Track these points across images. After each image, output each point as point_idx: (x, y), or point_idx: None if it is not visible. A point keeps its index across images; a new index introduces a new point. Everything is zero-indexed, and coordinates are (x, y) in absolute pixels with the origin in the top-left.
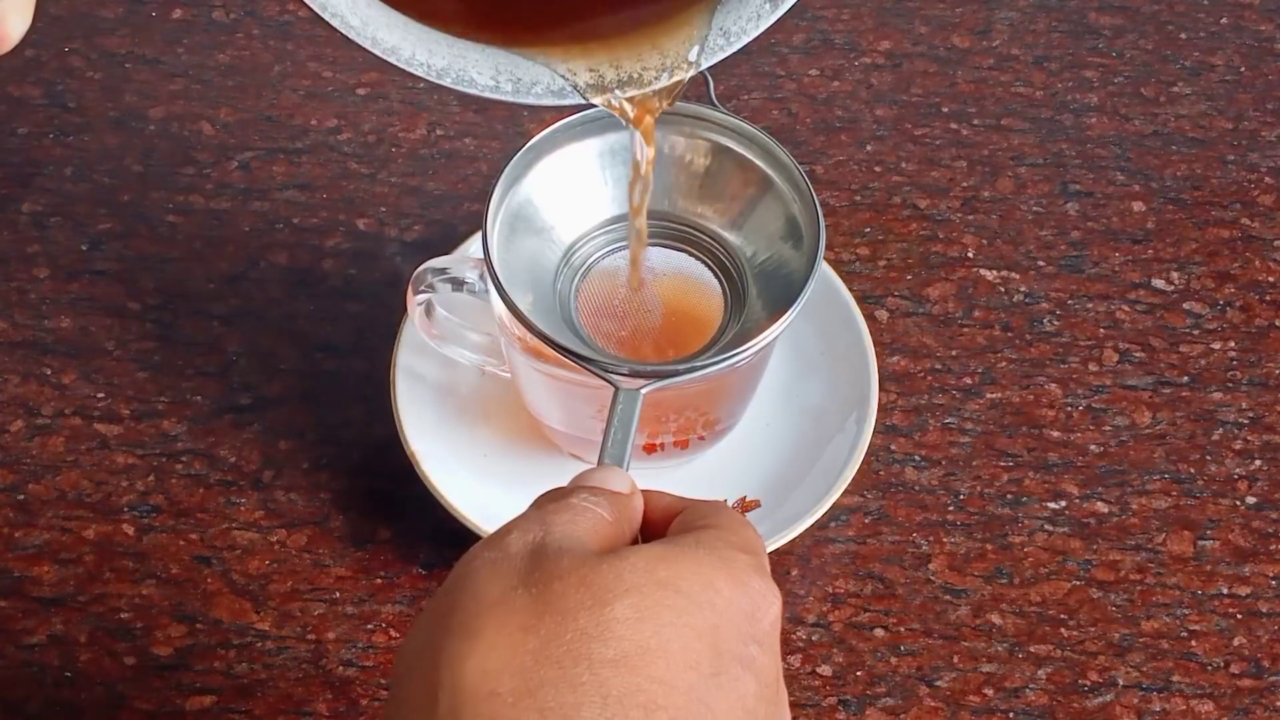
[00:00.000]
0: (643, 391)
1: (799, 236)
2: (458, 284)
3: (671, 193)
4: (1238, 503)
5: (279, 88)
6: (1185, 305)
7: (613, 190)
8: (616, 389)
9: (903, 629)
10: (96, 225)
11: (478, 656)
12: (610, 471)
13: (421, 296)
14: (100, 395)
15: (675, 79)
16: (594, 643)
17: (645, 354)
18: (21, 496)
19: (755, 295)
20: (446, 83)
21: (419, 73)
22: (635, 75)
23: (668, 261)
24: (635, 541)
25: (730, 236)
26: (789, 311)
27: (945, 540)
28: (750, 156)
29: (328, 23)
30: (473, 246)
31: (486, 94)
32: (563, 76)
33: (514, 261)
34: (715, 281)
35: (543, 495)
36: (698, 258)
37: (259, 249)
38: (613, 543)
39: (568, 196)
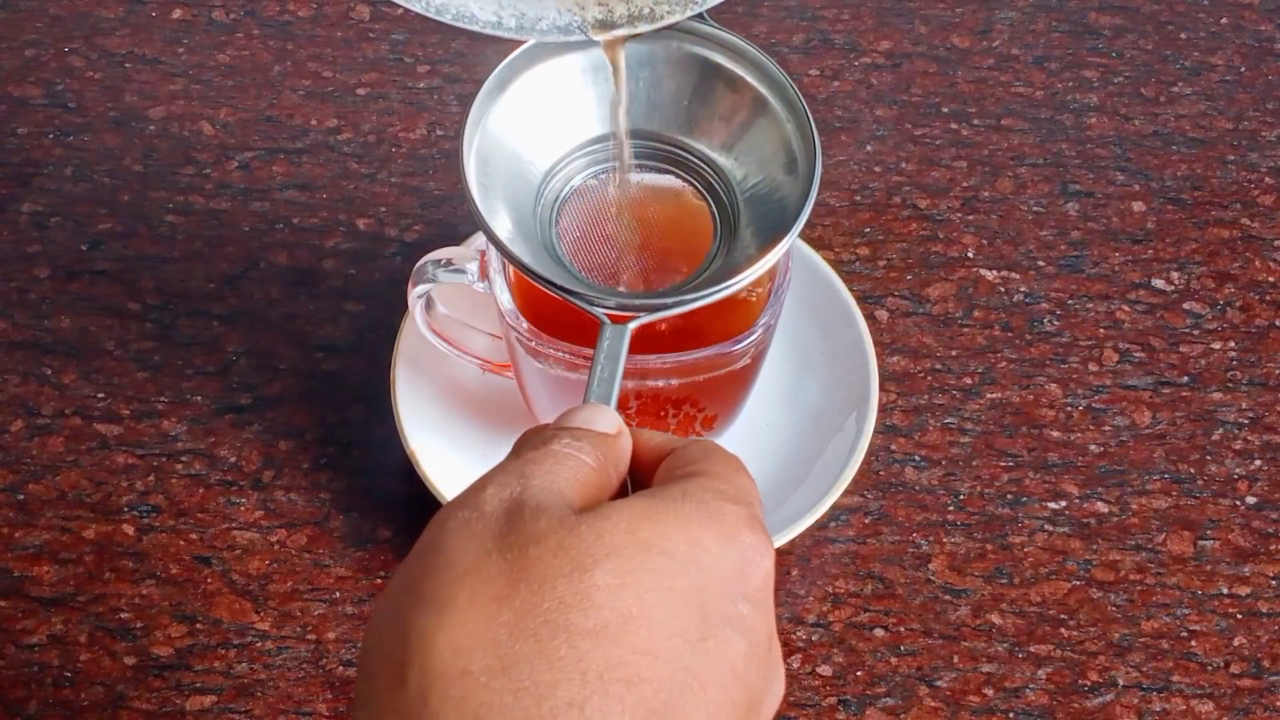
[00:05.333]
0: (630, 326)
1: (793, 160)
2: (460, 274)
3: (658, 111)
4: (1238, 503)
5: (279, 88)
6: (1185, 305)
7: (596, 109)
8: (603, 324)
9: (903, 629)
10: (96, 225)
11: (448, 631)
12: (596, 410)
13: (422, 288)
14: (100, 395)
15: (689, 14)
16: (572, 612)
17: (632, 285)
18: (21, 496)
19: (745, 223)
20: (446, 19)
21: (417, 8)
22: (646, 10)
23: (654, 186)
24: (623, 486)
25: (720, 159)
26: (784, 239)
27: (945, 540)
28: (742, 74)
29: None
30: (475, 244)
31: (488, 31)
32: (569, 11)
33: (492, 188)
34: (705, 207)
35: (524, 437)
36: (686, 180)
37: (259, 249)
38: (597, 492)
39: (547, 116)
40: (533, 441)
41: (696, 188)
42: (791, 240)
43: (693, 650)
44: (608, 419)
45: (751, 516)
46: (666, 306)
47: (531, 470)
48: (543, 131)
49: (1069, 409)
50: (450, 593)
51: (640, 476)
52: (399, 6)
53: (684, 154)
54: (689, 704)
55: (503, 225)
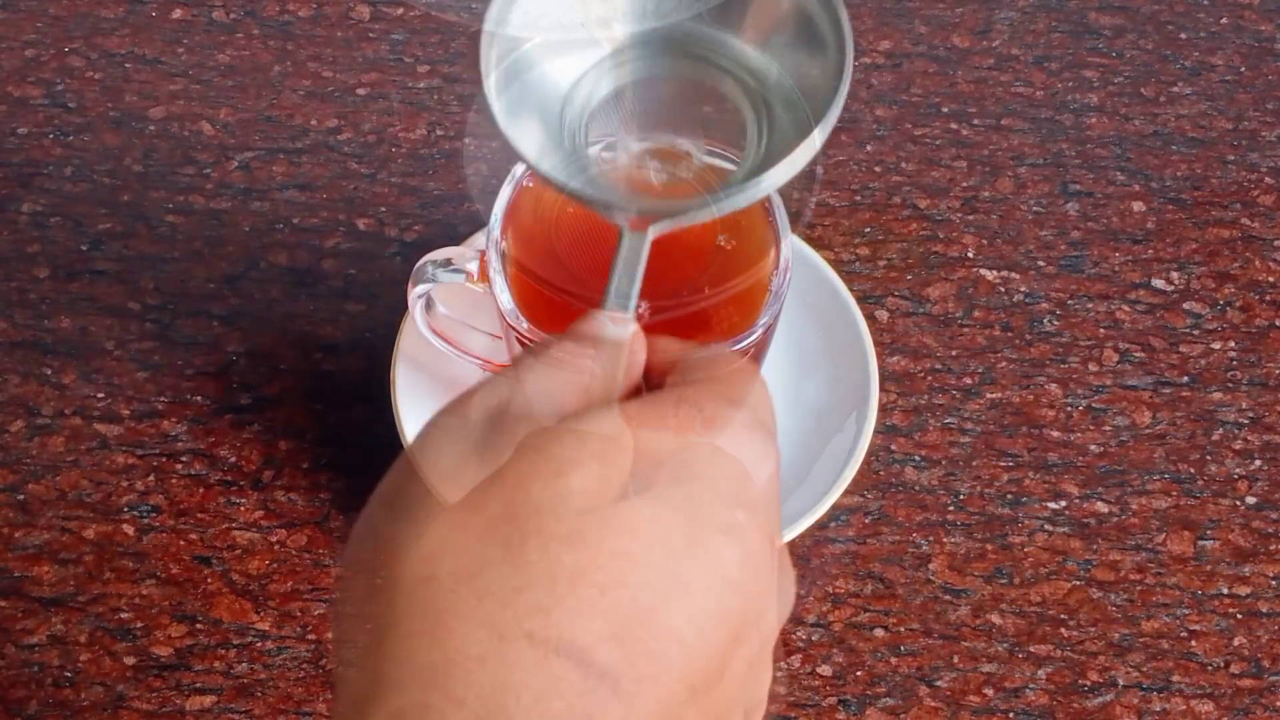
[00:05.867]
0: (650, 232)
1: (824, 53)
2: (459, 274)
3: (692, 8)
4: (1238, 503)
5: (279, 88)
6: (1185, 305)
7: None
8: (622, 231)
9: (903, 629)
10: (96, 225)
11: (417, 538)
12: (607, 317)
13: (422, 288)
14: (100, 395)
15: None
16: (546, 517)
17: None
18: (21, 496)
19: (779, 124)
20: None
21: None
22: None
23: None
24: (639, 393)
25: (753, 57)
26: (815, 133)
27: (945, 540)
28: None
29: None
30: (475, 243)
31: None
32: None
33: (515, 103)
34: (740, 108)
35: (526, 348)
36: (720, 72)
37: (259, 249)
38: (600, 398)
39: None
40: (533, 349)
41: (729, 89)
42: (825, 134)
43: (678, 556)
44: (620, 325)
45: (754, 422)
46: (687, 209)
47: (525, 376)
48: (568, 40)
49: (1069, 409)
50: (424, 501)
51: (654, 384)
52: (400, 5)
53: (715, 54)
54: (672, 611)
55: (528, 141)
